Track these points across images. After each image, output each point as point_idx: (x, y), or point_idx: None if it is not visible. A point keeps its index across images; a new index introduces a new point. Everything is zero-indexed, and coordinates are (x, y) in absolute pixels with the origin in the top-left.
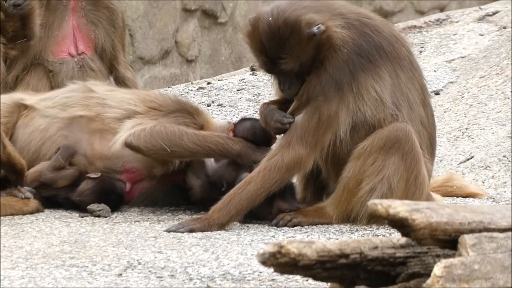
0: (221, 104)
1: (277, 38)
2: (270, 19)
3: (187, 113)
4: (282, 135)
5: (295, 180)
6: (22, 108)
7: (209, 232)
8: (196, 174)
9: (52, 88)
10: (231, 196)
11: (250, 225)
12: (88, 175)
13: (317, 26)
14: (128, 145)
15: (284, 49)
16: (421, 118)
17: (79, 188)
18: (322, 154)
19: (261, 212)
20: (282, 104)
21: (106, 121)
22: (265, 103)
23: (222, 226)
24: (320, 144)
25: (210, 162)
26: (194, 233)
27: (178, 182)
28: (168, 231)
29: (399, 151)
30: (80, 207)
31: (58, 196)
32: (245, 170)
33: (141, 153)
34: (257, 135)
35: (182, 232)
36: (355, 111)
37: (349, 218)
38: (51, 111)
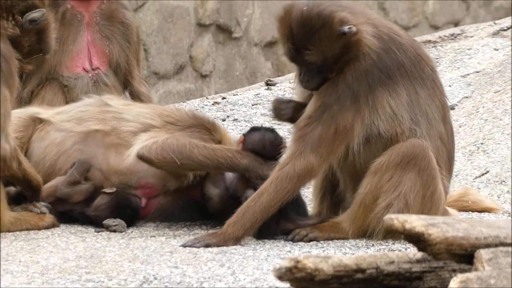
0: (236, 119)
1: (307, 28)
2: (304, 8)
3: (204, 128)
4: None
5: (310, 193)
6: (37, 122)
7: (225, 247)
8: (215, 184)
9: (67, 103)
10: (244, 210)
11: (266, 240)
12: (104, 190)
13: (349, 26)
14: (140, 157)
15: (311, 40)
16: (440, 134)
17: (95, 203)
18: (334, 164)
19: (268, 228)
20: (299, 105)
21: (122, 135)
22: (276, 99)
23: (237, 240)
24: (333, 154)
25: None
26: (210, 248)
27: (194, 197)
28: (184, 246)
29: (415, 168)
30: (96, 222)
31: (73, 211)
32: (252, 185)
33: (153, 165)
34: (266, 146)
35: (198, 247)
36: (369, 124)
37: (365, 233)
38: (66, 125)
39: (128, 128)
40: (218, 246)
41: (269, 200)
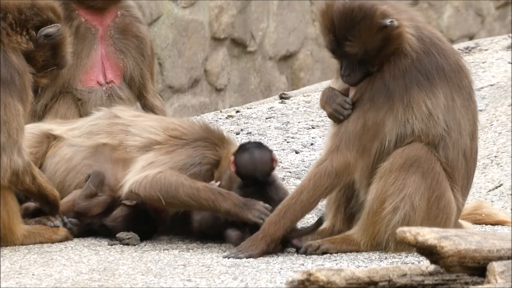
0: (250, 132)
1: (348, 19)
2: (346, 0)
3: (211, 143)
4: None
5: (323, 205)
6: (51, 138)
7: (238, 260)
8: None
9: (80, 116)
10: (285, 208)
11: (279, 253)
12: (124, 201)
13: (391, 20)
14: (131, 192)
15: (352, 32)
16: (465, 148)
17: (113, 214)
18: (370, 163)
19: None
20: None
21: (128, 149)
22: (330, 87)
23: (278, 239)
24: (368, 151)
25: None
26: (223, 261)
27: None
28: (228, 257)
29: (419, 170)
30: (112, 234)
31: (93, 224)
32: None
33: (142, 200)
34: (257, 166)
35: (241, 258)
36: (404, 122)
37: (376, 241)
38: (77, 140)
39: (133, 143)
40: (262, 253)
41: (309, 197)
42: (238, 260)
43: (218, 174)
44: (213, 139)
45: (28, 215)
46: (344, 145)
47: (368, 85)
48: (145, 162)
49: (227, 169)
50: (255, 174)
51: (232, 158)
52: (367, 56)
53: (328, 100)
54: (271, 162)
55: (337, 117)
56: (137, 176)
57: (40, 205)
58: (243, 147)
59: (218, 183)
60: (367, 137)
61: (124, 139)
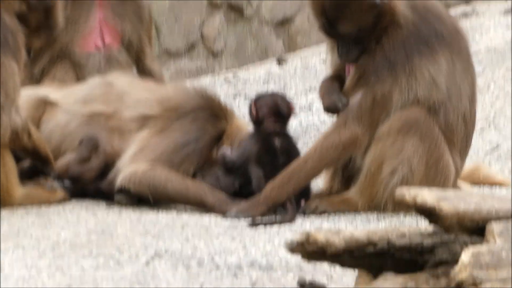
0: (248, 96)
1: (339, 1)
2: None
3: (210, 114)
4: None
5: None
6: (47, 103)
7: (236, 221)
8: (203, 177)
9: (78, 81)
10: (289, 174)
11: (277, 214)
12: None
13: None
14: (121, 187)
15: (343, 13)
16: (465, 112)
17: (109, 178)
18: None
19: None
20: (340, 81)
21: (123, 119)
22: (331, 77)
23: (279, 204)
24: (375, 124)
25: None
26: (221, 222)
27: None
28: (226, 217)
29: (417, 133)
30: (108, 197)
31: (87, 188)
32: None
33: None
34: (279, 104)
35: (240, 218)
36: (407, 90)
37: (374, 203)
38: (72, 107)
39: (128, 116)
40: (262, 215)
41: (314, 167)
42: (236, 221)
43: (229, 142)
44: (213, 110)
45: (24, 176)
46: (353, 119)
47: (369, 59)
48: (137, 147)
49: (233, 142)
50: (279, 108)
51: (253, 104)
52: (362, 34)
53: (324, 94)
54: (290, 105)
55: (332, 111)
56: (128, 169)
57: (33, 161)
58: (260, 94)
59: (229, 149)
60: (376, 111)
61: (118, 108)
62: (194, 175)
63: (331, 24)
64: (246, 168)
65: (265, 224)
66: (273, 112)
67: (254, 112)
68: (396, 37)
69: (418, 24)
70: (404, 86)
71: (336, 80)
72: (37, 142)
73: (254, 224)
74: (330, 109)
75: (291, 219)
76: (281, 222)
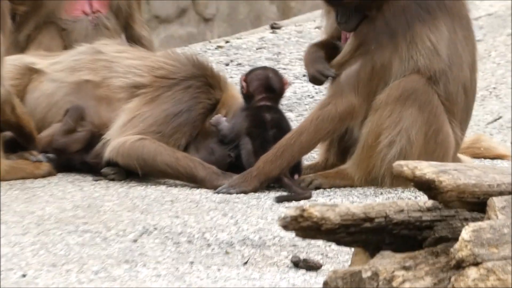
0: (240, 63)
1: None
2: None
3: (203, 82)
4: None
5: None
6: (33, 72)
7: (228, 196)
8: (198, 150)
9: (65, 47)
10: (283, 147)
11: (270, 188)
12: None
13: None
14: (109, 159)
15: None
16: (465, 81)
17: (95, 150)
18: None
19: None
20: (329, 48)
21: (112, 87)
22: (314, 45)
23: (272, 179)
24: (373, 94)
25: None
26: (212, 197)
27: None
28: (218, 192)
29: (416, 103)
30: (95, 170)
31: (73, 160)
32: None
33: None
34: (270, 78)
35: (232, 194)
36: (407, 60)
37: (371, 176)
38: (59, 75)
39: (117, 83)
40: (254, 190)
41: (309, 139)
42: (228, 195)
43: (224, 111)
44: (207, 79)
45: (7, 148)
46: (350, 89)
47: (370, 27)
48: (126, 117)
49: (228, 111)
50: (270, 83)
51: (242, 77)
52: (364, 2)
53: (308, 63)
54: (283, 80)
55: (317, 83)
56: (116, 140)
57: (16, 137)
58: (251, 69)
59: (224, 117)
60: (375, 81)
61: (107, 76)
62: (187, 147)
63: None
64: (238, 142)
65: (287, 201)
66: (264, 87)
67: (245, 86)
68: (397, 3)
69: None
70: (404, 54)
71: (323, 47)
72: (21, 116)
73: (280, 200)
74: (315, 79)
75: (309, 195)
76: (300, 199)
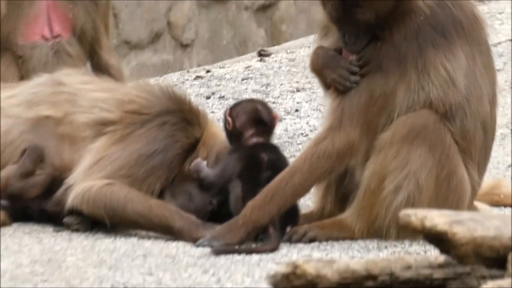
0: (223, 96)
1: None
2: None
3: (180, 118)
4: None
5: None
6: None
7: (208, 249)
8: (173, 195)
9: (22, 77)
10: (272, 191)
11: (259, 240)
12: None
13: None
14: (73, 207)
15: None
16: (485, 117)
17: (56, 197)
18: (373, 139)
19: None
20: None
21: (75, 124)
22: (321, 47)
23: (261, 228)
24: (374, 128)
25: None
26: (190, 251)
27: None
28: (198, 246)
29: (425, 142)
30: (55, 220)
31: (30, 208)
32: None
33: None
34: (260, 111)
35: (217, 248)
36: (417, 90)
37: (374, 227)
38: (15, 110)
39: (82, 120)
40: (240, 242)
41: (302, 180)
42: (207, 248)
43: (205, 152)
44: (184, 114)
45: None
46: (348, 121)
47: (375, 49)
48: (92, 159)
49: (210, 152)
50: (260, 116)
51: (227, 111)
52: (377, 21)
53: (327, 65)
54: (272, 113)
55: (343, 84)
56: (81, 186)
57: None
58: (236, 103)
59: (205, 162)
60: (374, 111)
61: (70, 111)
62: (162, 193)
63: (346, 8)
64: (227, 187)
65: (239, 253)
66: (254, 121)
67: (230, 122)
68: (409, 25)
69: (435, 10)
70: (414, 84)
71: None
72: None
73: (219, 251)
74: (340, 84)
75: (274, 248)
76: (261, 251)
